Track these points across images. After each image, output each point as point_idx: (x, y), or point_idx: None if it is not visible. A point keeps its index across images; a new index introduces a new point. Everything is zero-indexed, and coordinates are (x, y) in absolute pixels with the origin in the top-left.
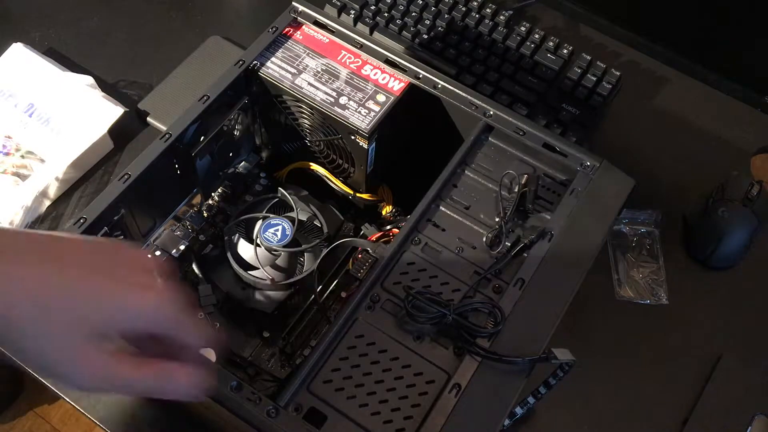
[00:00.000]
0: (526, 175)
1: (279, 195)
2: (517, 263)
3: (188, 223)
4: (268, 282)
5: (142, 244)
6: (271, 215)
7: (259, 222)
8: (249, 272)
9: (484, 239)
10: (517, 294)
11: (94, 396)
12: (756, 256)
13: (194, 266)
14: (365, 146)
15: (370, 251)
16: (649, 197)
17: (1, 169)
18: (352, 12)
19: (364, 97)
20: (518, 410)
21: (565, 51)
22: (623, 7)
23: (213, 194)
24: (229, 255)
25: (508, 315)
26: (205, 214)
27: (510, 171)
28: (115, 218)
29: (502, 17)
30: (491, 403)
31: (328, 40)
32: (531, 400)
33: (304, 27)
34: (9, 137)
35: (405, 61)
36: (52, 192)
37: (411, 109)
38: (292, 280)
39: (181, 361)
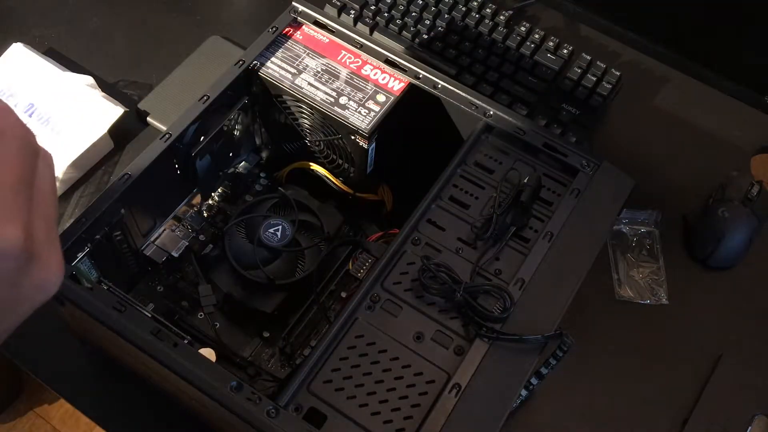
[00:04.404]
0: (527, 176)
1: (279, 195)
2: (517, 263)
3: (188, 223)
4: (268, 282)
5: (143, 243)
6: (271, 215)
7: (260, 222)
8: (249, 272)
9: (472, 228)
10: (518, 294)
11: (94, 396)
12: (756, 256)
13: (194, 266)
14: (365, 146)
15: (370, 251)
16: (649, 197)
17: None
18: (352, 12)
19: (364, 97)
20: (523, 392)
21: (565, 51)
22: (623, 7)
23: (213, 194)
24: (229, 255)
25: (517, 300)
26: (205, 214)
27: (510, 171)
28: (115, 218)
29: (502, 17)
30: (494, 396)
31: (328, 40)
32: (534, 380)
33: (304, 27)
34: None
35: (405, 61)
36: None
37: (411, 109)
38: (292, 280)
39: None
